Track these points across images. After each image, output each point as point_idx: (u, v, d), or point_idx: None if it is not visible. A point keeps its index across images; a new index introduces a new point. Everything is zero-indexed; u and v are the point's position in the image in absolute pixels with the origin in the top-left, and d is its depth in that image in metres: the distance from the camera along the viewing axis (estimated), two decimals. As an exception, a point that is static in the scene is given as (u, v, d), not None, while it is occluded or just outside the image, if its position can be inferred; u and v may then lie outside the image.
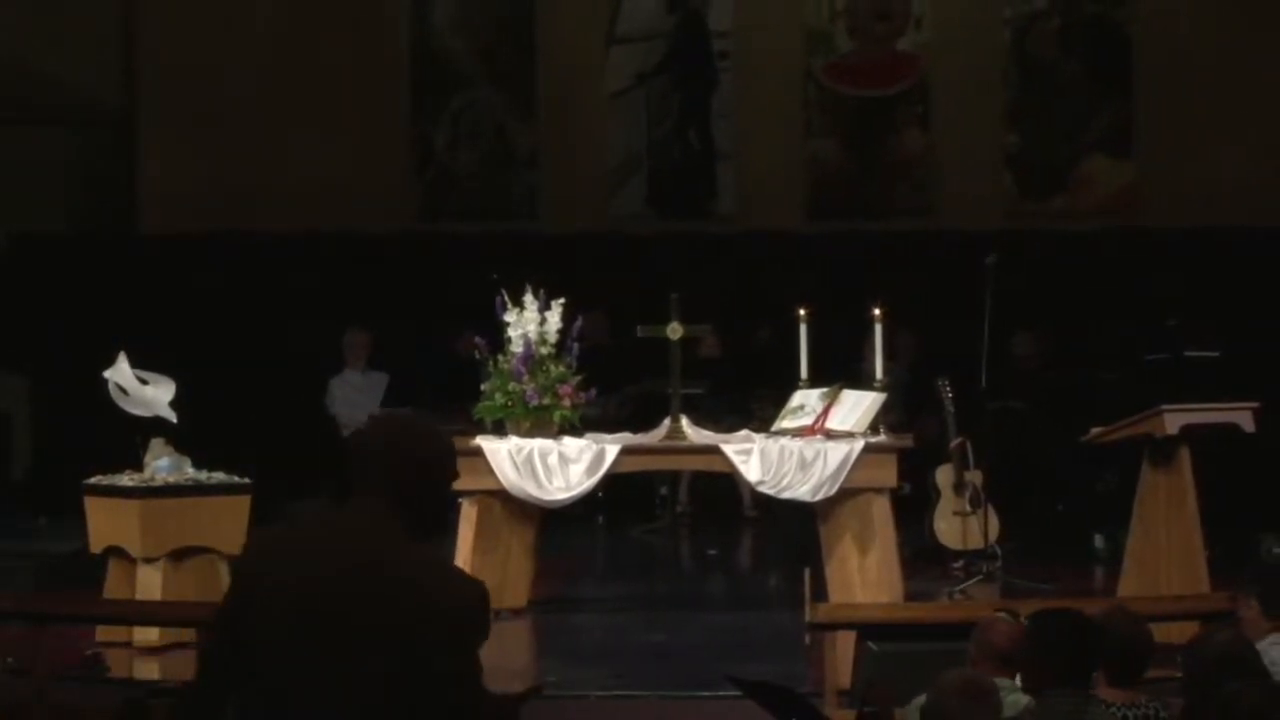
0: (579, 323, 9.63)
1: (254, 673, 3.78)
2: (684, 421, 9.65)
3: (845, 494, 9.34)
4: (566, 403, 9.49)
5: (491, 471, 9.37)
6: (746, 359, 13.48)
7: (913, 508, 10.82)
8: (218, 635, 3.89)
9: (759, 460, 9.35)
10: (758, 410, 11.87)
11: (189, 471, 9.16)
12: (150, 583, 8.83)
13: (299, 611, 3.75)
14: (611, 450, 9.44)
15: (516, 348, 9.50)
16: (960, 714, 4.66)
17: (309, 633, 3.73)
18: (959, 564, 10.84)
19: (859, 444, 9.30)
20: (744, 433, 9.81)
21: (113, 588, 8.99)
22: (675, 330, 9.73)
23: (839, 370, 10.26)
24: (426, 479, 3.85)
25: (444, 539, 9.62)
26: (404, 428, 3.94)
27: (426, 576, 3.76)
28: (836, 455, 9.27)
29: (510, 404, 9.48)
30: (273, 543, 3.94)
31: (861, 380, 10.20)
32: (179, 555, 8.92)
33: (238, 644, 3.80)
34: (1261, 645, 5.78)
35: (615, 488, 11.67)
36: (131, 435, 9.39)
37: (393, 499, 3.81)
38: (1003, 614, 5.97)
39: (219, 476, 9.19)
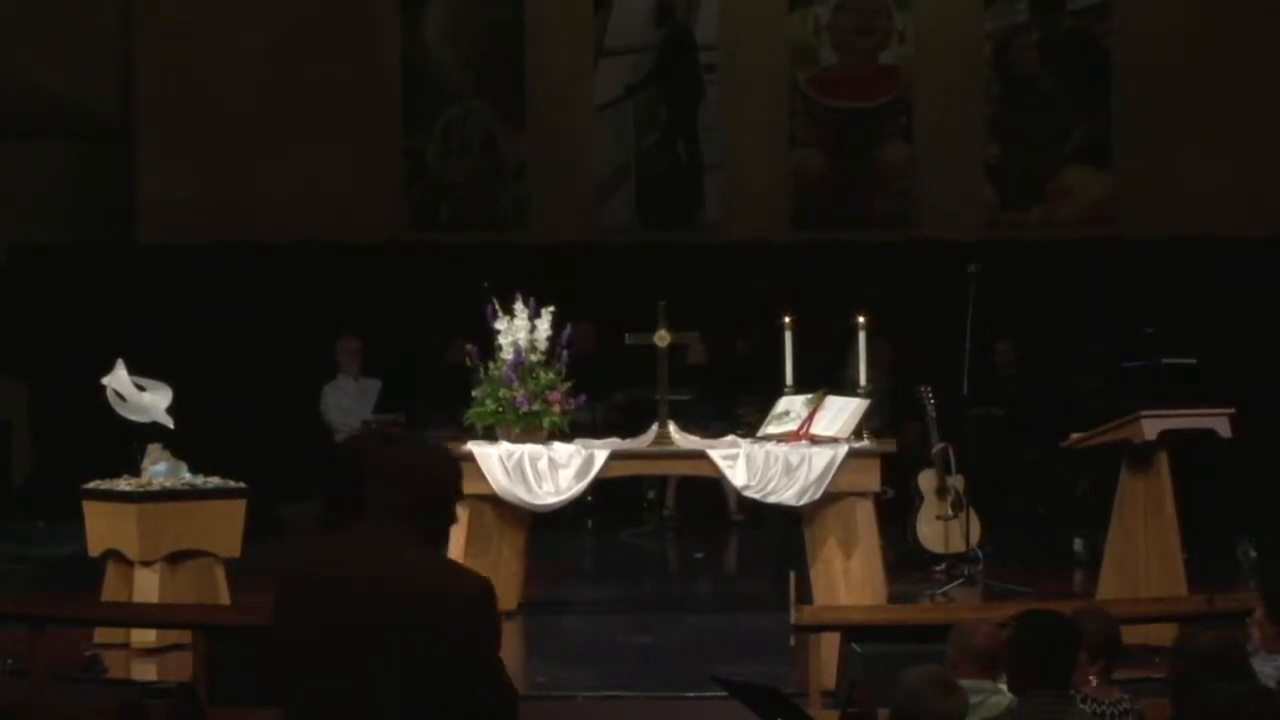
0: (568, 330, 9.73)
1: (296, 679, 4.10)
2: (671, 427, 9.73)
3: (829, 498, 9.42)
4: (556, 408, 9.57)
5: (483, 476, 9.45)
6: (732, 366, 13.58)
7: (896, 512, 10.92)
8: (272, 652, 4.22)
9: (745, 465, 9.43)
10: (743, 416, 11.99)
11: (185, 476, 9.23)
12: (147, 585, 8.89)
13: (328, 618, 4.07)
14: (600, 455, 9.53)
15: (507, 355, 9.60)
16: (935, 706, 4.79)
17: (336, 637, 4.05)
18: (941, 567, 10.95)
19: (843, 449, 9.38)
20: (730, 438, 9.89)
21: (110, 590, 9.05)
22: (662, 338, 9.81)
23: (823, 377, 10.36)
24: (435, 494, 4.20)
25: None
26: (420, 457, 4.30)
27: (431, 575, 4.09)
28: (821, 460, 9.35)
29: (501, 410, 9.56)
30: (308, 560, 4.29)
31: (845, 387, 10.31)
32: (176, 558, 8.97)
33: (285, 656, 4.14)
34: (1258, 662, 5.77)
35: (604, 492, 11.81)
36: (129, 441, 9.47)
37: (405, 512, 4.16)
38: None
39: (215, 481, 9.25)
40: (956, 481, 11.07)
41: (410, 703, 4.02)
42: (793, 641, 8.28)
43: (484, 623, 4.07)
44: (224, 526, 9.08)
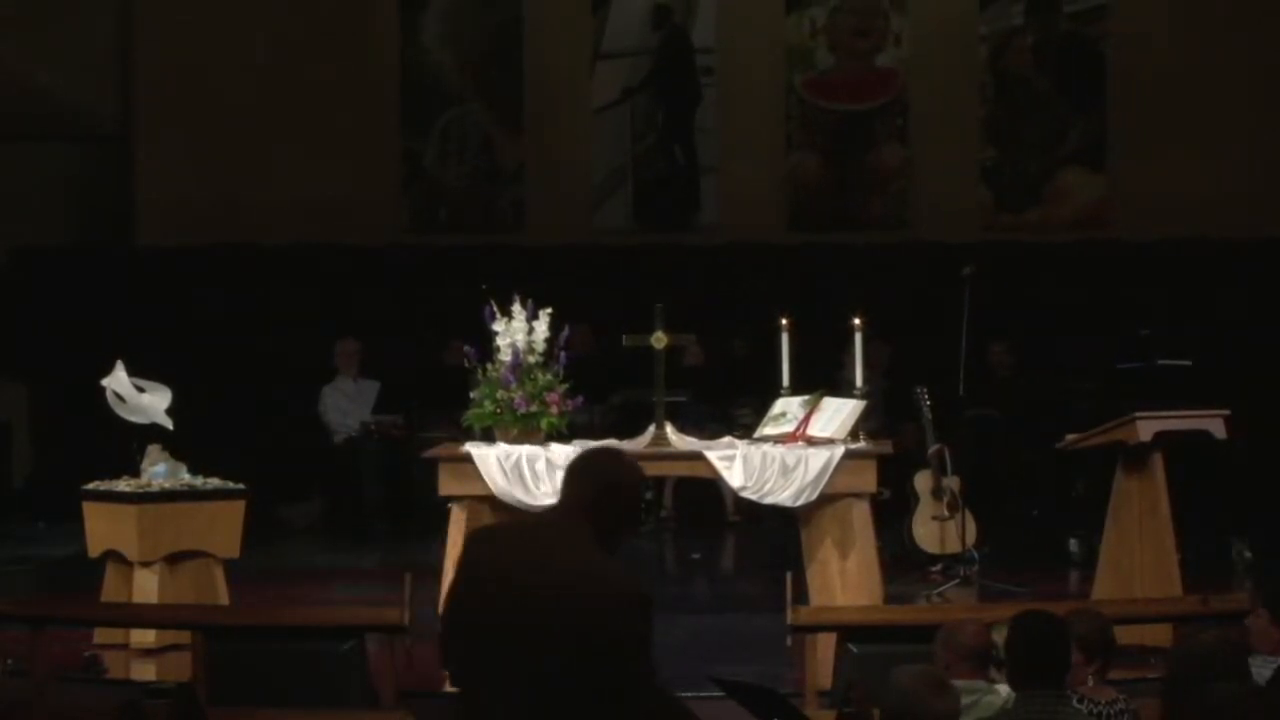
0: (566, 332, 9.76)
1: (465, 658, 4.39)
2: (668, 428, 9.75)
3: (826, 499, 9.43)
4: (554, 410, 9.58)
5: (480, 477, 9.46)
6: (729, 367, 13.64)
7: (892, 513, 10.95)
8: (446, 621, 4.49)
9: (742, 466, 9.44)
10: (740, 417, 12.04)
11: (185, 477, 9.24)
12: (147, 586, 8.90)
13: (494, 599, 4.33)
14: (598, 456, 9.56)
15: (505, 356, 9.63)
16: (931, 706, 4.82)
17: (500, 617, 4.31)
18: (937, 568, 10.99)
19: (839, 450, 9.39)
20: (727, 439, 9.90)
21: (110, 591, 9.06)
22: (660, 339, 9.81)
23: (820, 378, 10.40)
24: (612, 501, 4.49)
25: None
26: (604, 458, 4.68)
27: (587, 575, 4.34)
28: (817, 461, 9.36)
29: (499, 411, 9.58)
30: (487, 538, 4.66)
31: (841, 388, 10.34)
32: (175, 559, 8.98)
33: (458, 627, 4.42)
34: (1254, 663, 5.74)
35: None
36: (129, 442, 9.52)
37: (584, 513, 4.45)
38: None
39: (214, 482, 9.27)
40: (952, 482, 11.11)
41: (564, 693, 4.23)
42: (789, 642, 8.30)
43: (631, 627, 4.28)
44: (223, 527, 9.10)
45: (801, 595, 9.12)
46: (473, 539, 4.66)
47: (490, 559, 4.44)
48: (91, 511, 9.15)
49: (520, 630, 4.27)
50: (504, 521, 4.73)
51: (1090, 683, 5.70)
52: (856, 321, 9.91)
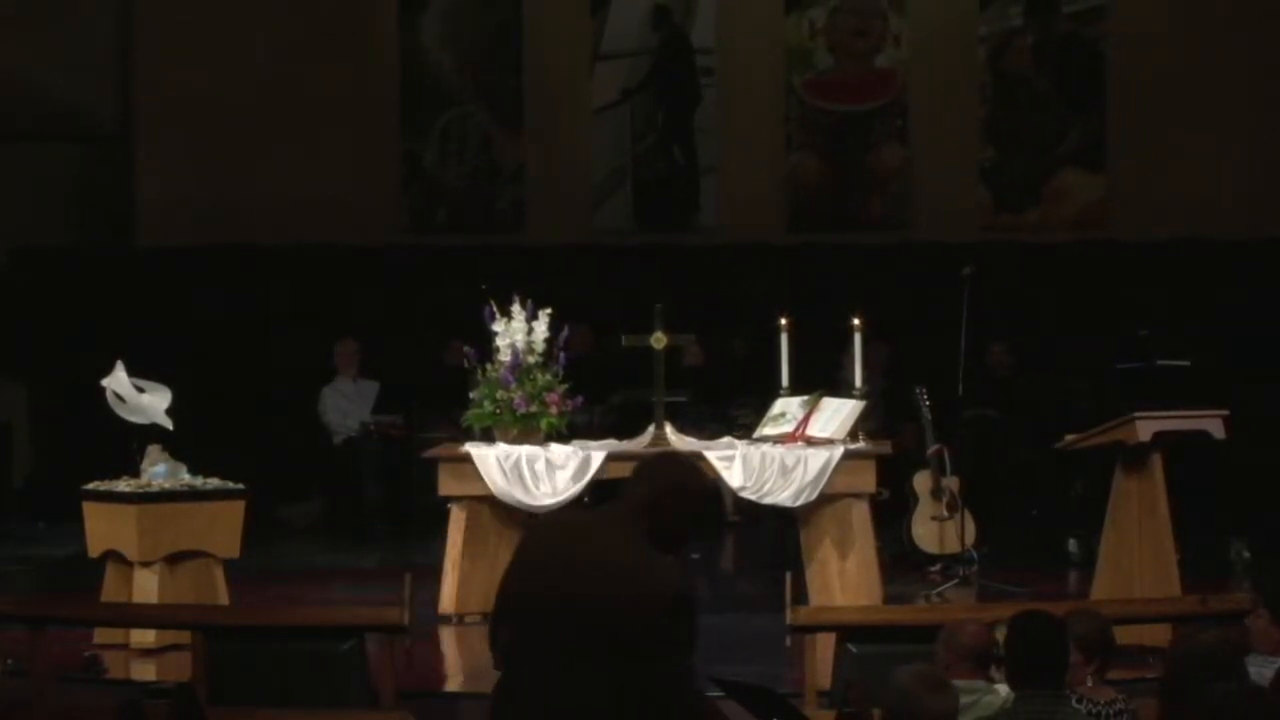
0: (565, 332, 9.78)
1: (508, 638, 4.48)
2: (668, 429, 9.79)
3: (825, 499, 9.48)
4: (553, 410, 9.62)
5: (480, 477, 9.51)
6: (729, 367, 13.65)
7: (891, 513, 10.96)
8: (496, 607, 4.59)
9: (741, 466, 9.48)
10: (740, 418, 12.05)
11: (185, 477, 9.25)
12: (147, 586, 8.91)
13: (539, 590, 4.42)
14: (597, 457, 9.58)
15: (505, 356, 9.65)
16: (929, 706, 4.83)
17: (543, 608, 4.40)
18: (936, 568, 11.00)
19: (839, 451, 9.43)
20: (726, 439, 9.94)
21: (110, 591, 9.07)
22: (659, 340, 9.85)
23: (819, 379, 10.42)
24: (674, 503, 4.55)
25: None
26: (672, 462, 4.83)
27: (633, 572, 4.41)
28: (817, 462, 9.40)
29: (499, 411, 9.62)
30: (540, 530, 4.76)
31: (841, 388, 10.37)
32: (175, 559, 8.99)
33: (505, 615, 4.52)
34: (1255, 663, 5.76)
35: (601, 494, 11.86)
36: (129, 442, 9.52)
37: (644, 512, 4.52)
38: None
39: (214, 482, 9.28)
40: (951, 482, 11.12)
41: (596, 686, 4.30)
42: (789, 642, 8.31)
43: (664, 626, 4.32)
44: (223, 527, 9.12)
45: (801, 595, 9.14)
46: (528, 529, 4.80)
47: (541, 551, 4.53)
48: (91, 511, 9.16)
49: (559, 622, 4.35)
50: (560, 515, 4.76)
51: (1089, 683, 5.71)
52: (856, 322, 9.94)
